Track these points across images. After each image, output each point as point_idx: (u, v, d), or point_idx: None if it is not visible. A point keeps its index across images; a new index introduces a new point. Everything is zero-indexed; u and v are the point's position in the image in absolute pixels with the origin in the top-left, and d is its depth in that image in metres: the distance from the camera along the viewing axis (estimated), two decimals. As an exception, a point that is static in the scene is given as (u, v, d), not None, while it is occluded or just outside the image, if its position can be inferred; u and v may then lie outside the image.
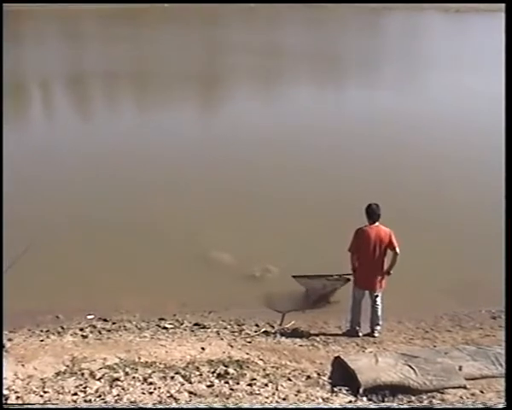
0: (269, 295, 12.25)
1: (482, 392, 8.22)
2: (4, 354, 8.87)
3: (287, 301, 11.81)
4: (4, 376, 7.95)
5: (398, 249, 10.10)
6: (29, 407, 7.52)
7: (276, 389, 8.07)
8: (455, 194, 17.10)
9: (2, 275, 10.93)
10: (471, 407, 7.72)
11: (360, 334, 10.56)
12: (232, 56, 42.05)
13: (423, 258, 13.03)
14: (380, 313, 10.54)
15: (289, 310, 11.41)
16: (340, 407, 7.71)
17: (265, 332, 10.71)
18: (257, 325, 11.04)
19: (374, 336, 10.54)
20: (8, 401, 7.54)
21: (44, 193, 16.44)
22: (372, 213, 10.11)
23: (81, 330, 10.75)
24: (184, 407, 7.58)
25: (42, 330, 10.65)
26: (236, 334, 10.56)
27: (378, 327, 10.62)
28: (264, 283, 12.77)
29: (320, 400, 7.87)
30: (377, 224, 10.18)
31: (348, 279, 11.23)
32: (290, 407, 7.70)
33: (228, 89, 34.60)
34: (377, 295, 10.44)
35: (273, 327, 10.93)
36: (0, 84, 26.39)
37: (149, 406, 7.56)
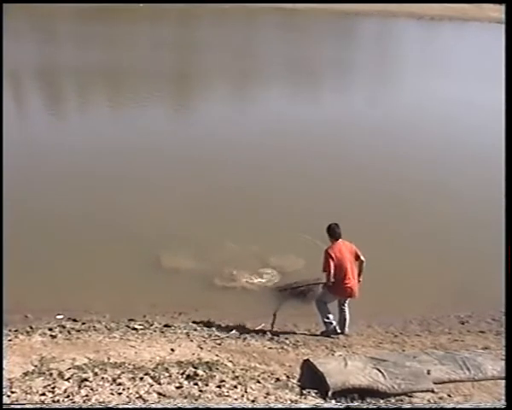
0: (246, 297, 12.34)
1: (450, 396, 8.29)
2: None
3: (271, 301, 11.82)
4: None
5: (362, 257, 10.54)
6: (29, 407, 7.45)
7: (245, 391, 8.07)
8: (424, 200, 17.28)
9: (2, 275, 10.88)
10: (472, 407, 7.78)
11: (338, 331, 10.82)
12: (205, 56, 41.94)
13: (392, 263, 13.12)
14: (347, 314, 10.88)
15: (278, 308, 11.22)
16: (309, 407, 7.74)
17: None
18: (227, 327, 11.06)
19: (345, 334, 10.84)
20: None
21: (12, 189, 16.19)
22: (333, 233, 10.52)
23: (50, 329, 10.65)
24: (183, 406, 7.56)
25: (10, 330, 10.50)
26: (206, 336, 10.57)
27: (347, 323, 10.92)
28: (236, 283, 12.79)
29: (289, 402, 7.88)
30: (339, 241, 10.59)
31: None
32: (260, 407, 7.71)
33: (200, 88, 34.51)
34: (346, 301, 10.80)
35: (244, 329, 10.99)
36: (0, 83, 26.15)
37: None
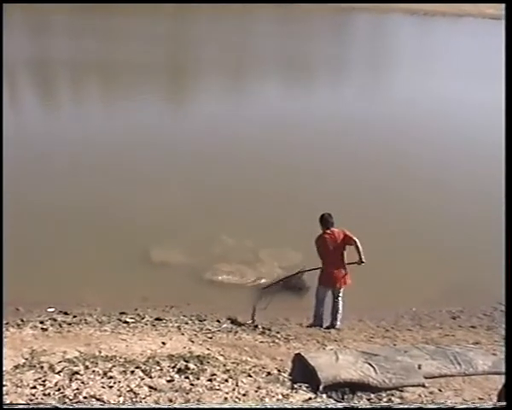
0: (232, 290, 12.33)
1: (440, 390, 8.28)
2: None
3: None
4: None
5: (355, 238, 10.60)
6: (30, 407, 7.41)
7: (237, 385, 8.05)
8: (419, 195, 17.28)
9: (2, 273, 10.84)
10: (472, 406, 7.77)
11: (324, 325, 10.92)
12: (201, 51, 41.89)
13: (385, 258, 13.12)
14: (340, 307, 10.95)
15: (259, 302, 11.30)
16: (305, 406, 7.72)
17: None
18: (218, 321, 11.05)
19: (335, 327, 10.89)
20: None
21: (7, 182, 16.13)
22: (326, 222, 10.71)
23: (41, 322, 10.63)
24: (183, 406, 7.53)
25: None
26: (197, 329, 10.56)
27: (339, 316, 10.99)
28: (228, 277, 12.79)
29: (280, 396, 7.86)
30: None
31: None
32: (252, 407, 7.69)
33: (195, 82, 34.44)
34: (339, 292, 10.88)
35: (234, 323, 10.98)
36: (0, 81, 26.04)
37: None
